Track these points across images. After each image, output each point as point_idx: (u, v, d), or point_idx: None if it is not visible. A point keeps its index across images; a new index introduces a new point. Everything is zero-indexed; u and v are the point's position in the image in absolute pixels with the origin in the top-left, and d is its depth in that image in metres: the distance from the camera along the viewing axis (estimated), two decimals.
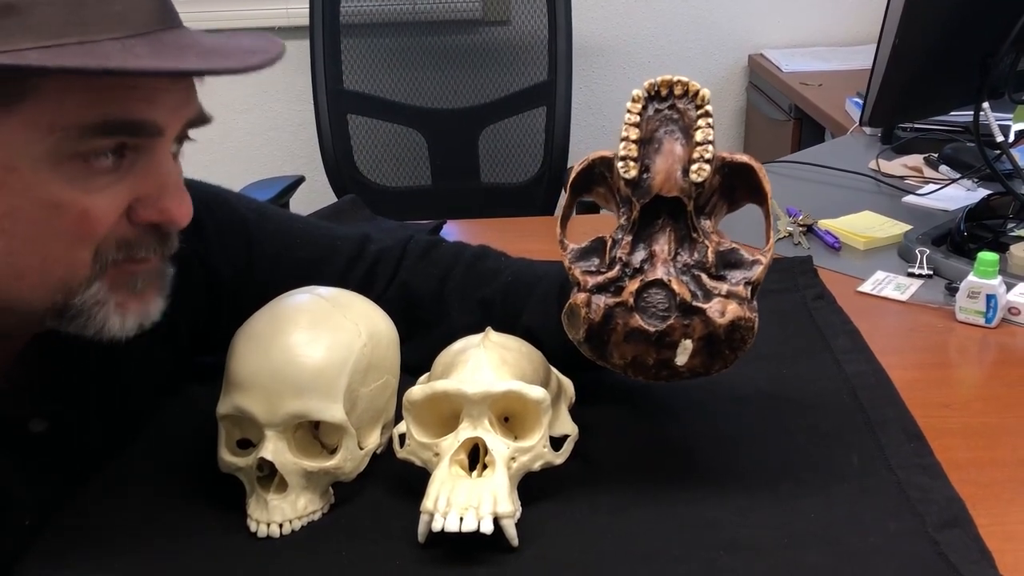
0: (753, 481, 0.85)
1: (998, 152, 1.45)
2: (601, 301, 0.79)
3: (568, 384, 0.93)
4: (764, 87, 2.67)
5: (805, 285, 1.23)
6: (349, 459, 0.82)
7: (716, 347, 0.78)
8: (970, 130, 1.47)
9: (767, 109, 2.63)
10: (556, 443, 0.83)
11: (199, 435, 0.87)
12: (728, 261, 0.79)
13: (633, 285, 0.79)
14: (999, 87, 1.33)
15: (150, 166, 0.71)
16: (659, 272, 0.78)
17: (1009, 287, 1.17)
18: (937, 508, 0.81)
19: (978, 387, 1.09)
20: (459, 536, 0.74)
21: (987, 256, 1.14)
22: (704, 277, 0.78)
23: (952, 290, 1.20)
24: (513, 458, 0.79)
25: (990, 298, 1.14)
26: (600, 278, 0.80)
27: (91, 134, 0.67)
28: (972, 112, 1.35)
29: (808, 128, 2.34)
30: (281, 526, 0.79)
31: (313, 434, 0.83)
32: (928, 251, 1.30)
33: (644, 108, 0.80)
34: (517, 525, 0.77)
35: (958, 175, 1.61)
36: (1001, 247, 1.27)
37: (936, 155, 1.70)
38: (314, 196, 2.18)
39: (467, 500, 0.75)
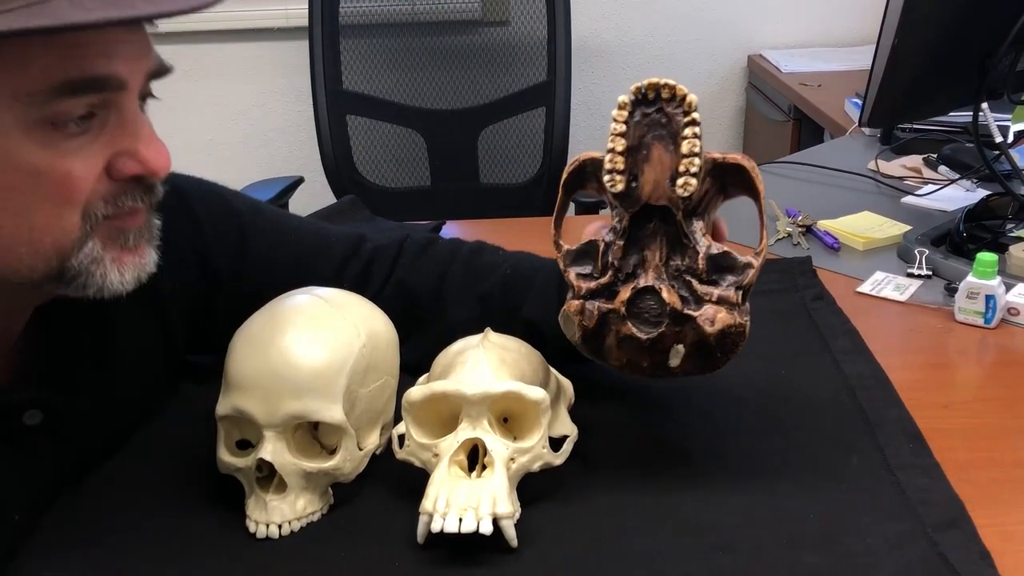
0: (752, 482, 0.85)
1: (997, 153, 1.45)
2: (595, 308, 0.80)
3: (567, 385, 0.93)
4: (763, 88, 2.67)
5: (804, 286, 1.23)
6: (348, 460, 0.82)
7: (707, 351, 0.80)
8: (969, 131, 1.46)
9: (766, 110, 2.63)
10: (555, 444, 0.83)
11: (198, 436, 0.87)
12: (720, 265, 0.79)
13: (625, 293, 0.79)
14: (998, 88, 1.33)
15: (120, 121, 0.72)
16: (650, 279, 0.79)
17: (1008, 288, 1.17)
18: (936, 509, 0.81)
19: (977, 388, 1.09)
20: (458, 537, 0.74)
21: (986, 257, 1.14)
22: (695, 283, 0.79)
23: (951, 291, 1.20)
24: (512, 459, 0.79)
25: (989, 299, 1.14)
26: (593, 284, 0.81)
27: (56, 96, 0.67)
28: (971, 113, 1.35)
29: (807, 129, 2.34)
30: (280, 527, 0.79)
31: (312, 435, 0.83)
32: (927, 252, 1.30)
33: (631, 114, 0.79)
34: (516, 526, 0.77)
35: (957, 176, 1.61)
36: (1000, 248, 1.27)
37: (935, 156, 1.70)
38: (313, 197, 2.17)
39: (466, 501, 0.75)
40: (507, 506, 0.75)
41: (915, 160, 1.72)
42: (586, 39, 2.72)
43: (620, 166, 0.78)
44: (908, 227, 1.41)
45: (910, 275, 1.29)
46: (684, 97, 0.78)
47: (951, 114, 1.66)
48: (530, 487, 0.81)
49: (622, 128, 0.78)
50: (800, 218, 1.45)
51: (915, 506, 0.81)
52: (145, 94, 0.76)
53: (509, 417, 0.82)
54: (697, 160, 0.77)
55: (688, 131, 0.77)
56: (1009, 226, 1.36)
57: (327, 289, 0.87)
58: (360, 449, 0.83)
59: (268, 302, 0.85)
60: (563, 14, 2.16)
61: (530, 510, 0.80)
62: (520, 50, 2.29)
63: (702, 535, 0.78)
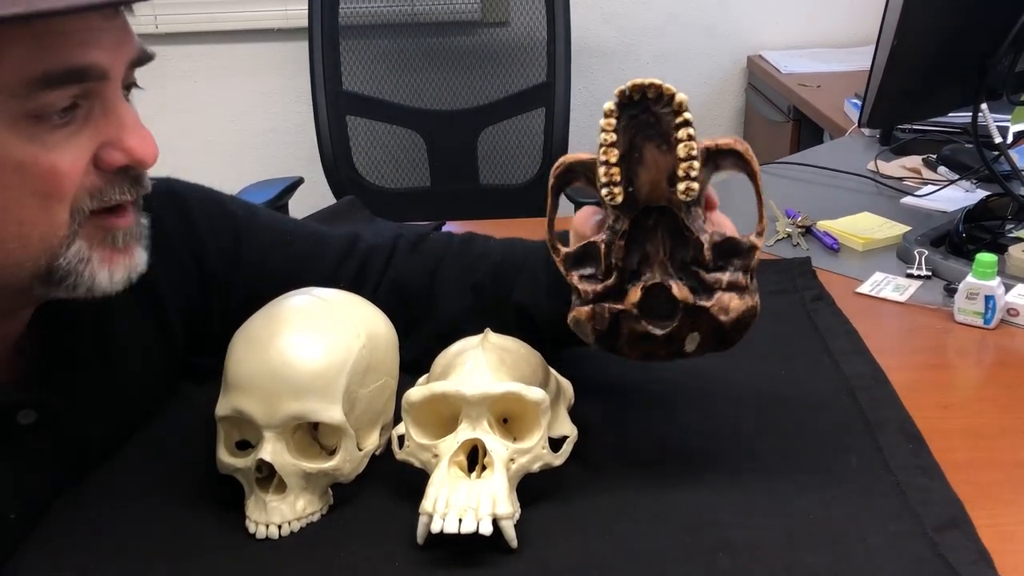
0: (752, 482, 0.85)
1: (996, 153, 1.45)
2: (605, 311, 0.80)
3: (567, 385, 0.93)
4: (763, 88, 2.67)
5: (804, 286, 1.23)
6: (348, 460, 0.82)
7: (723, 335, 0.80)
8: (968, 131, 1.46)
9: (766, 110, 2.63)
10: (555, 444, 0.83)
11: (198, 436, 0.87)
12: (724, 249, 0.79)
13: (635, 294, 0.79)
14: (997, 88, 1.33)
15: (105, 111, 0.71)
16: (657, 276, 0.78)
17: (1007, 288, 1.17)
18: (936, 509, 0.81)
19: (977, 388, 1.09)
20: (458, 537, 0.74)
21: (985, 257, 1.14)
22: (702, 273, 0.78)
23: (951, 291, 1.20)
24: (512, 459, 0.79)
25: (988, 299, 1.14)
26: (600, 287, 0.80)
27: (37, 89, 0.67)
28: (970, 113, 1.35)
29: (807, 129, 2.34)
30: (280, 527, 0.79)
31: (312, 435, 0.83)
32: (927, 252, 1.30)
33: (619, 119, 0.76)
34: (516, 526, 0.77)
35: (956, 176, 1.61)
36: (999, 248, 1.27)
37: (934, 156, 1.70)
38: (313, 197, 2.17)
39: (466, 501, 0.75)
40: (507, 507, 0.75)
41: (914, 161, 1.72)
42: (586, 40, 2.72)
43: (617, 178, 0.76)
44: (907, 228, 1.41)
45: (909, 276, 1.29)
46: (672, 97, 0.75)
47: (950, 115, 1.66)
48: (530, 488, 0.81)
49: (612, 137, 0.76)
50: (799, 219, 1.45)
51: (915, 506, 0.81)
52: (129, 83, 0.75)
53: (509, 418, 0.82)
54: (696, 163, 0.76)
55: (682, 133, 0.75)
56: (1008, 227, 1.36)
57: (327, 290, 0.87)
58: (360, 450, 0.83)
59: (265, 303, 0.85)
60: (563, 15, 2.17)
61: (530, 511, 0.80)
62: (520, 51, 2.29)
63: (702, 535, 0.78)
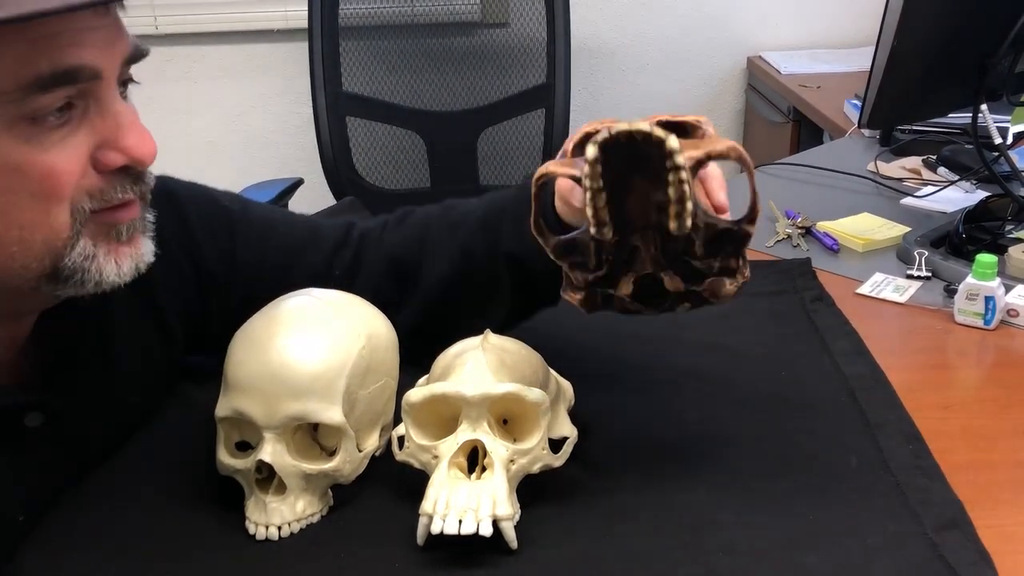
0: (752, 483, 0.85)
1: (996, 154, 1.45)
2: (598, 296, 0.80)
3: (567, 386, 0.93)
4: (763, 89, 2.67)
5: (804, 287, 1.23)
6: (348, 461, 0.82)
7: (715, 304, 0.80)
8: (968, 132, 1.46)
9: (766, 111, 2.63)
10: (555, 445, 0.83)
11: (198, 437, 0.87)
12: (716, 238, 0.76)
13: (627, 287, 0.78)
14: (997, 89, 1.33)
15: (101, 110, 0.71)
16: (649, 268, 0.78)
17: (1007, 289, 1.17)
18: (936, 510, 0.81)
19: (977, 389, 1.09)
20: (458, 538, 0.74)
21: (985, 258, 1.14)
22: (694, 262, 0.77)
23: (951, 292, 1.20)
24: (512, 460, 0.79)
25: (988, 300, 1.14)
26: (591, 276, 0.79)
27: (30, 92, 0.66)
28: (970, 114, 1.35)
29: (807, 130, 2.34)
30: (280, 528, 0.79)
31: (312, 436, 0.83)
32: (927, 253, 1.30)
33: (604, 162, 0.72)
34: (516, 527, 0.77)
35: (956, 177, 1.61)
36: (999, 249, 1.27)
37: (934, 157, 1.70)
38: (313, 198, 2.18)
39: (466, 502, 0.75)
40: (507, 508, 0.75)
41: (914, 161, 1.72)
42: (585, 41, 2.72)
43: (606, 219, 0.74)
44: (907, 228, 1.41)
45: (909, 276, 1.29)
46: (661, 143, 0.70)
47: (950, 115, 1.66)
48: (530, 489, 0.81)
49: (599, 184, 0.72)
50: (799, 220, 1.45)
51: (915, 507, 0.81)
52: (125, 80, 0.75)
53: (509, 419, 0.82)
54: (688, 203, 0.72)
55: (672, 177, 0.71)
56: (1008, 227, 1.36)
57: (327, 291, 0.87)
58: (360, 451, 0.83)
59: (263, 300, 0.85)
60: (562, 16, 2.17)
61: (530, 512, 0.80)
62: (519, 52, 2.29)
63: (702, 535, 0.78)
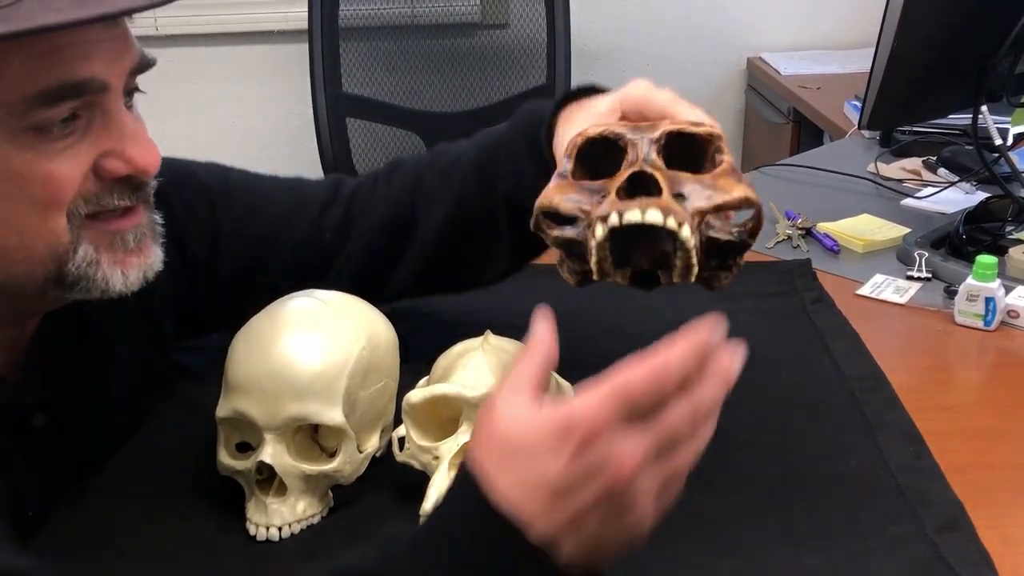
0: (752, 484, 0.85)
1: (996, 155, 1.45)
2: (593, 281, 0.80)
3: (567, 387, 0.93)
4: (763, 90, 2.67)
5: (804, 288, 1.23)
6: (348, 462, 0.81)
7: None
8: (968, 133, 1.46)
9: (766, 112, 2.63)
10: None
11: (198, 438, 0.87)
12: (715, 247, 0.77)
13: (623, 277, 0.78)
14: (997, 90, 1.33)
15: (106, 121, 0.71)
16: (646, 265, 0.77)
17: (1008, 290, 1.17)
18: (936, 511, 0.81)
19: (977, 390, 1.09)
20: None
21: (986, 259, 1.14)
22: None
23: (951, 293, 1.20)
24: None
25: (989, 301, 1.14)
26: (588, 268, 0.78)
27: (36, 105, 0.66)
28: (970, 115, 1.35)
29: (807, 131, 2.34)
30: (280, 529, 0.79)
31: (312, 437, 0.83)
32: (927, 254, 1.30)
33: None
34: None
35: (957, 178, 1.61)
36: (1000, 250, 1.27)
37: (935, 158, 1.70)
38: None
39: None
40: None
41: (914, 162, 1.72)
42: (585, 42, 2.72)
43: (611, 270, 0.75)
44: (907, 229, 1.41)
45: (910, 278, 1.29)
46: (674, 235, 0.71)
47: (951, 117, 1.66)
48: None
49: (605, 254, 0.74)
50: (799, 220, 1.45)
51: (915, 508, 0.81)
52: (131, 89, 0.75)
53: None
54: (695, 269, 0.74)
55: (679, 253, 0.73)
56: (1008, 228, 1.36)
57: (327, 292, 0.87)
58: (360, 451, 0.83)
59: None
60: (562, 17, 2.17)
61: None
62: (519, 53, 2.29)
63: (702, 535, 0.78)
